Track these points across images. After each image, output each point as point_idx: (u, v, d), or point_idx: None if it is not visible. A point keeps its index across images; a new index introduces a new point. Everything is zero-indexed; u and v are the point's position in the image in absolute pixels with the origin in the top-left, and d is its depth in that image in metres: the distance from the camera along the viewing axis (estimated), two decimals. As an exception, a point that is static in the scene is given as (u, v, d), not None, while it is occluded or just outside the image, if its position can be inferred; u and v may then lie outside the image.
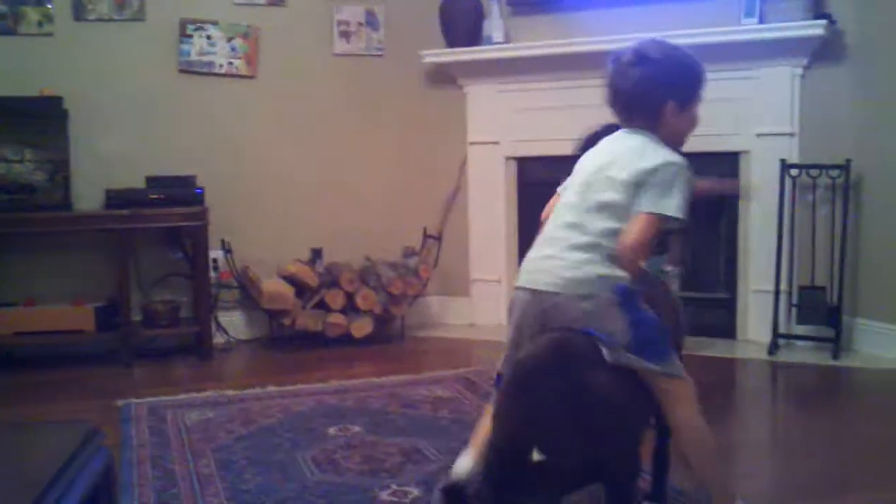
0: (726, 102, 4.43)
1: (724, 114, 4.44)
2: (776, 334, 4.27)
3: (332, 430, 3.17)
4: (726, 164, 4.51)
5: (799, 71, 4.30)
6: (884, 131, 4.07)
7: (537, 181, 4.98)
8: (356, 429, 3.20)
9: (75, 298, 4.34)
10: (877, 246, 4.15)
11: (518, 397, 1.84)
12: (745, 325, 4.51)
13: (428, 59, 4.94)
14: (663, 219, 2.04)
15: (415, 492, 2.58)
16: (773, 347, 4.24)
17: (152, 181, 4.39)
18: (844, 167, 4.14)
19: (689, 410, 2.08)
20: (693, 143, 4.68)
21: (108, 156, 4.49)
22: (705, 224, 4.77)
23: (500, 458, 1.78)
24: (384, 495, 2.55)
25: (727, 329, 4.56)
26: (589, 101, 4.75)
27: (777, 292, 4.29)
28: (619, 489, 1.92)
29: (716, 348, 4.38)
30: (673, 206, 2.03)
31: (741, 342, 4.47)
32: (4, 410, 3.54)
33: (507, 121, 4.91)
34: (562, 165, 5.13)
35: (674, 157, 2.10)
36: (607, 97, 2.23)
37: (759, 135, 4.40)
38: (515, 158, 4.97)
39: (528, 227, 5.02)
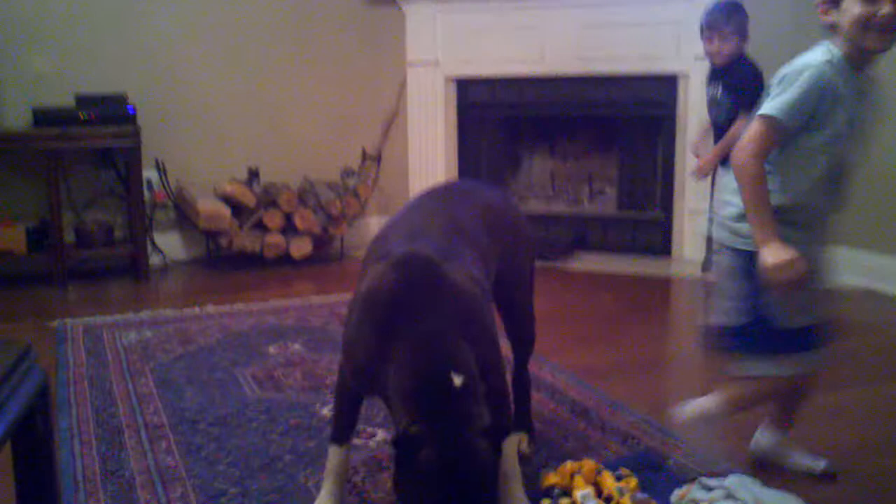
0: (666, 25, 4.45)
1: (664, 37, 4.46)
2: (709, 252, 4.35)
3: (271, 349, 3.18)
4: (664, 86, 4.53)
5: (737, -8, 4.31)
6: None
7: (477, 102, 4.96)
8: (296, 347, 3.21)
9: (5, 219, 4.22)
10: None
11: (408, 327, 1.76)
12: (680, 244, 4.59)
13: (366, -23, 4.84)
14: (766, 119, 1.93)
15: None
16: (707, 264, 4.32)
17: (82, 99, 4.25)
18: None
19: None
20: (630, 66, 4.71)
21: (35, 72, 4.33)
22: (642, 145, 4.81)
23: (432, 390, 1.67)
24: (325, 411, 2.57)
25: (663, 248, 4.64)
26: (529, 22, 4.78)
27: (710, 212, 4.36)
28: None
29: (651, 267, 4.46)
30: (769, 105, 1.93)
31: (676, 260, 4.56)
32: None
33: (446, 41, 4.85)
34: (502, 86, 5.15)
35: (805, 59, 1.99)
36: None
37: (697, 58, 4.40)
38: (455, 79, 4.92)
39: (467, 149, 5.02)
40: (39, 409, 1.67)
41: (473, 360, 1.71)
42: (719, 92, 3.54)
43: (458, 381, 1.64)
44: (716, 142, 3.62)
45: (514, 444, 2.04)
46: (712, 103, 3.62)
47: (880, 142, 2.91)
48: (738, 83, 3.46)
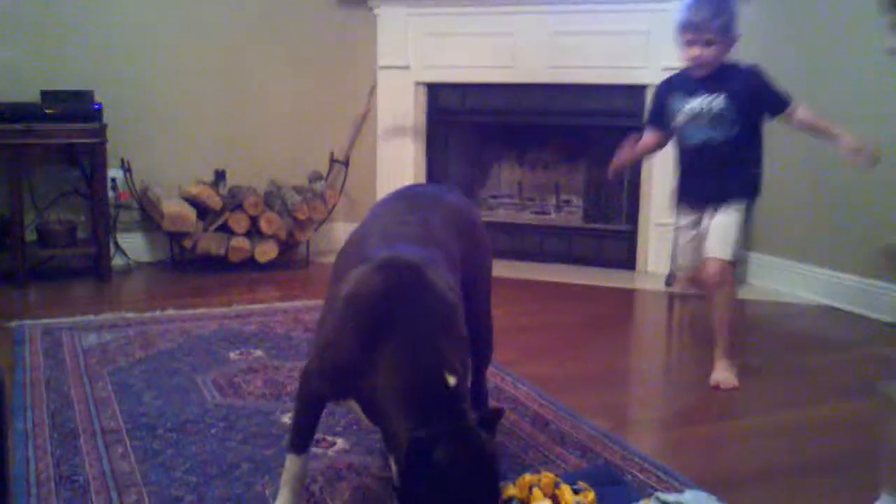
0: (635, 35, 4.48)
1: (633, 47, 4.49)
2: (674, 266, 4.38)
3: (233, 355, 3.15)
4: (632, 96, 4.56)
5: (707, 6, 4.35)
6: (783, 65, 4.14)
7: (448, 108, 4.96)
8: (258, 353, 3.19)
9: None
10: (773, 180, 4.25)
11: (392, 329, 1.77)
12: (645, 258, 4.62)
13: (337, -21, 4.83)
14: None
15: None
16: (670, 279, 4.36)
17: (47, 95, 4.20)
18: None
19: None
20: (599, 75, 4.73)
21: (0, 67, 4.27)
22: (610, 155, 4.83)
23: (430, 391, 1.70)
24: (285, 419, 2.55)
25: (628, 261, 4.67)
26: (502, 28, 4.79)
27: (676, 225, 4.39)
28: None
29: (616, 279, 4.48)
30: None
31: (640, 273, 4.59)
32: None
33: (418, 46, 4.84)
34: (472, 93, 5.15)
35: None
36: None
37: (665, 68, 4.43)
38: (426, 84, 4.92)
39: (436, 155, 5.02)
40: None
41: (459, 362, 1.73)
42: (716, 104, 2.96)
43: (451, 380, 1.66)
44: (704, 167, 3.05)
45: None
46: (698, 119, 3.00)
47: (835, 159, 2.99)
48: (746, 86, 2.97)
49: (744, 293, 4.20)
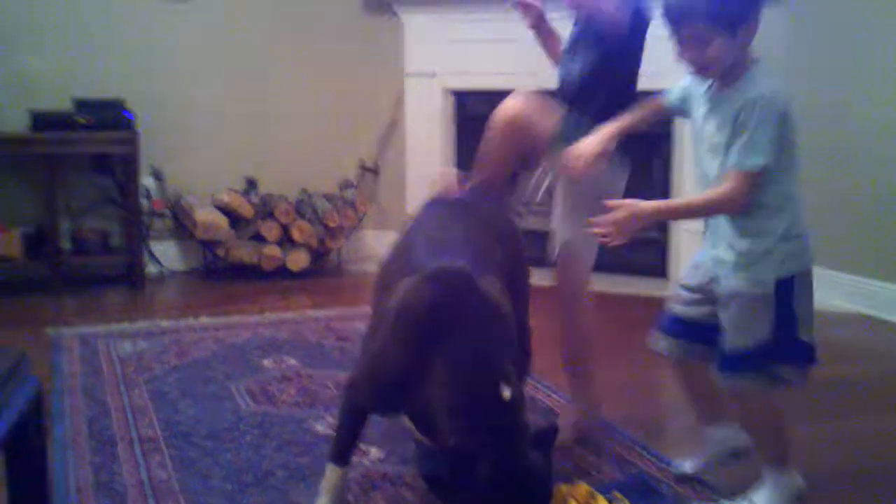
0: (664, 40, 4.43)
1: (661, 51, 4.43)
2: (705, 274, 4.35)
3: (266, 363, 3.17)
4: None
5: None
6: (813, 72, 4.13)
7: (476, 115, 4.96)
8: (291, 361, 3.20)
9: (1, 224, 4.21)
10: (807, 188, 4.21)
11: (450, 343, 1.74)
12: (676, 265, 4.58)
13: (365, -14, 4.85)
14: None
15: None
16: (703, 287, 4.32)
17: (81, 104, 4.25)
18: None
19: None
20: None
21: (35, 75, 4.33)
22: (639, 162, 4.82)
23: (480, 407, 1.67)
24: (319, 427, 2.56)
25: (658, 268, 4.64)
26: (528, 35, 4.76)
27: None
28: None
29: (647, 287, 4.45)
30: None
31: (673, 281, 4.55)
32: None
33: (445, 52, 4.85)
34: (501, 99, 5.14)
35: None
36: None
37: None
38: (453, 91, 4.92)
39: (465, 162, 5.01)
40: (33, 417, 1.67)
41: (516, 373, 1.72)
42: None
43: (507, 393, 1.64)
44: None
45: None
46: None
47: (881, 166, 2.94)
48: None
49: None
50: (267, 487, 2.21)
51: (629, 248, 4.74)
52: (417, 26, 4.87)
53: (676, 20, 2.05)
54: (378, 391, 1.84)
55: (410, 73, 4.93)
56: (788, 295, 2.00)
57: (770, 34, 4.14)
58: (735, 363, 2.05)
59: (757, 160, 1.95)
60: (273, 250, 4.50)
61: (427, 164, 4.96)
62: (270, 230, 4.52)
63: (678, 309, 2.27)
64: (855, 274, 4.04)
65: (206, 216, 4.42)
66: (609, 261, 4.72)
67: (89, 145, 4.21)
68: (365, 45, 4.97)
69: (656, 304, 4.19)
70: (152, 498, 2.16)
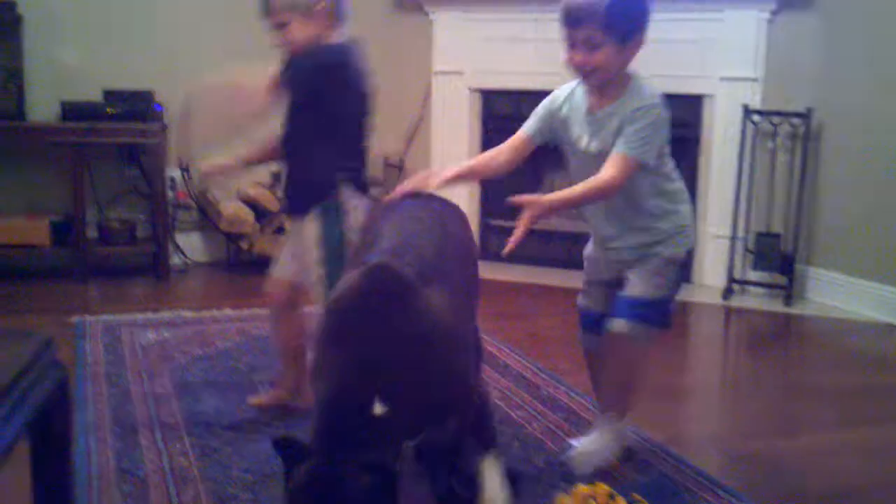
0: (692, 44, 4.43)
1: (690, 56, 4.44)
2: (731, 280, 4.33)
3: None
4: (688, 107, 4.51)
5: (766, 15, 4.29)
6: (847, 81, 4.10)
7: (502, 115, 4.96)
8: (312, 354, 3.20)
9: (30, 212, 4.25)
10: (834, 196, 4.21)
11: (348, 344, 1.66)
12: (701, 270, 4.56)
13: (395, -16, 4.86)
14: None
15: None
16: (728, 293, 4.31)
17: (110, 95, 4.28)
18: (806, 115, 4.17)
19: None
20: (656, 85, 4.68)
21: (65, 66, 4.37)
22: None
23: (336, 413, 1.59)
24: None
25: (683, 272, 4.60)
26: (557, 35, 4.75)
27: (733, 238, 4.34)
28: (458, 434, 1.81)
29: (670, 290, 4.42)
30: None
31: (696, 286, 4.53)
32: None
33: (473, 51, 4.84)
34: (527, 100, 5.12)
35: None
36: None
37: (722, 78, 4.40)
38: (480, 90, 4.92)
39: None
40: (58, 402, 1.69)
41: (420, 394, 1.61)
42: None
43: (380, 409, 1.55)
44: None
45: (492, 468, 1.98)
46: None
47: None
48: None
49: (802, 309, 4.14)
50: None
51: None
52: (446, 25, 4.87)
53: (575, 22, 2.12)
54: (311, 385, 1.77)
55: (438, 72, 4.93)
56: (681, 267, 2.36)
57: (804, 42, 4.12)
58: (636, 310, 2.29)
59: (640, 151, 2.14)
60: (297, 244, 4.51)
61: (452, 162, 4.95)
62: (295, 224, 4.53)
63: (585, 303, 2.49)
64: (877, 282, 4.00)
65: (232, 209, 4.44)
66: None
67: (118, 136, 4.24)
68: (394, 43, 4.96)
69: (680, 307, 4.19)
70: (173, 485, 2.17)
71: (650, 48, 4.37)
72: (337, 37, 2.57)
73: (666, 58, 4.46)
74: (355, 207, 2.52)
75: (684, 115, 4.53)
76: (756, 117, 4.29)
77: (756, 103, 4.32)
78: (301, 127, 2.52)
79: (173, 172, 4.50)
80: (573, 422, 2.67)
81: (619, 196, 2.22)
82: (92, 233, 4.34)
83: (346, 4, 2.66)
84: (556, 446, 2.47)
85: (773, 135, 4.29)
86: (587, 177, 2.19)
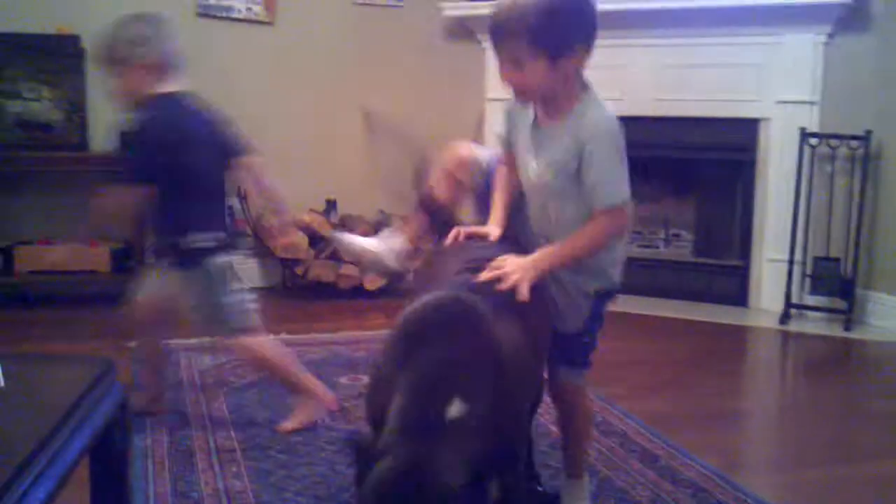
0: (748, 68, 4.40)
1: (746, 79, 4.41)
2: (788, 304, 4.26)
3: (343, 380, 3.20)
4: (745, 130, 4.48)
5: (822, 38, 4.25)
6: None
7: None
8: (367, 379, 3.22)
9: (91, 239, 4.35)
10: (893, 219, 4.13)
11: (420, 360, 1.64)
12: (757, 294, 4.50)
13: (448, 13, 4.89)
14: None
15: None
16: (785, 317, 4.24)
17: (170, 125, 4.37)
18: (865, 138, 4.10)
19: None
20: (710, 108, 4.64)
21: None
22: (721, 190, 4.76)
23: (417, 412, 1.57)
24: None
25: (739, 297, 4.55)
26: (612, 60, 4.75)
27: (791, 262, 4.28)
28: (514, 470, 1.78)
29: (727, 315, 4.37)
30: None
31: (753, 310, 4.47)
32: (17, 348, 3.57)
33: (526, 78, 4.86)
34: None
35: None
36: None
37: (779, 102, 4.36)
38: (533, 117, 4.92)
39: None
40: (118, 424, 1.71)
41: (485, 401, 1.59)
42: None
43: (454, 410, 1.54)
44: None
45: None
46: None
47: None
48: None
49: (861, 334, 4.06)
50: (341, 502, 2.23)
51: (709, 275, 4.70)
52: (498, 52, 4.89)
53: (498, 39, 1.93)
54: (368, 412, 1.75)
55: (491, 99, 4.96)
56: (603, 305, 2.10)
57: (861, 64, 4.07)
58: (585, 357, 2.12)
59: (626, 192, 1.96)
60: (351, 270, 4.55)
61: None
62: (348, 250, 4.56)
63: None
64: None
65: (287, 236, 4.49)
66: (689, 288, 4.68)
67: (176, 164, 4.33)
68: (447, 70, 5.01)
69: (736, 332, 4.14)
70: (228, 508, 2.20)
71: (707, 72, 4.42)
72: (168, 87, 2.68)
73: (722, 82, 4.46)
74: (222, 269, 2.65)
75: (740, 138, 4.50)
76: (813, 140, 4.24)
77: (813, 126, 4.27)
78: (157, 184, 2.60)
79: (230, 201, 4.57)
80: (628, 447, 2.64)
81: (560, 225, 2.02)
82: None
83: (176, 55, 2.78)
84: (614, 474, 2.44)
85: (832, 158, 4.23)
86: (536, 208, 2.07)
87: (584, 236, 1.96)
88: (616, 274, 2.10)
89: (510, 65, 1.93)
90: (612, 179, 1.94)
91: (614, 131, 1.97)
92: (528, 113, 2.05)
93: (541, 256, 1.93)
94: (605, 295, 2.09)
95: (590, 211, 1.96)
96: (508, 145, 2.14)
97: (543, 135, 2.02)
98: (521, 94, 2.00)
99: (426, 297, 1.75)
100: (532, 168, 2.03)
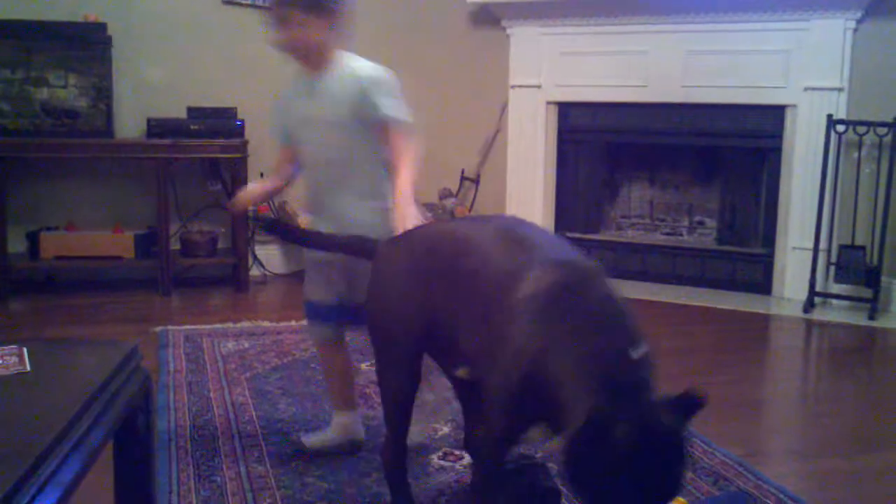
0: (775, 54, 4.36)
1: (772, 66, 4.36)
2: (813, 292, 4.23)
3: (364, 366, 3.21)
4: (770, 117, 4.44)
5: (851, 24, 4.20)
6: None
7: (579, 127, 4.94)
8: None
9: (115, 225, 4.39)
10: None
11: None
12: (781, 282, 4.47)
13: (472, -1, 4.89)
14: None
15: (445, 429, 2.62)
16: (809, 305, 4.21)
17: (193, 111, 4.40)
18: (893, 125, 4.05)
19: None
20: (735, 95, 4.61)
21: (151, 84, 4.50)
22: (746, 177, 4.72)
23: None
24: (414, 430, 2.57)
25: (763, 285, 4.53)
26: (636, 47, 4.74)
27: (816, 250, 4.24)
28: None
29: (751, 304, 4.35)
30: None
31: (777, 299, 4.44)
32: (43, 333, 3.62)
33: (550, 65, 4.85)
34: (603, 112, 5.11)
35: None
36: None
37: (806, 88, 4.32)
38: (557, 103, 4.91)
39: (566, 174, 5.01)
40: (142, 408, 1.73)
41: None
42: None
43: (635, 353, 1.56)
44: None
45: None
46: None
47: None
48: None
49: (886, 321, 4.02)
50: (362, 488, 2.24)
51: (733, 263, 4.67)
52: (523, 39, 4.89)
53: (272, 2, 2.28)
54: (520, 407, 1.69)
55: (515, 85, 4.95)
56: None
57: (891, 50, 4.01)
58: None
59: (407, 117, 2.31)
60: (373, 257, 4.56)
61: (528, 174, 4.97)
62: (371, 237, 4.57)
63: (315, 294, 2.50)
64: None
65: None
66: (713, 276, 4.66)
67: (200, 151, 4.36)
68: (471, 57, 5.00)
69: (759, 320, 4.11)
70: (249, 492, 2.21)
71: (733, 59, 4.38)
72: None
73: (748, 68, 4.42)
74: None
75: (766, 125, 4.46)
76: (840, 127, 4.19)
77: (840, 113, 4.22)
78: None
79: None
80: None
81: (350, 163, 2.33)
82: (174, 245, 4.46)
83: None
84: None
85: (859, 145, 4.19)
86: (326, 149, 2.33)
87: (408, 157, 2.29)
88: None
89: (284, 27, 2.26)
90: (398, 103, 2.31)
91: (382, 71, 2.38)
92: (301, 78, 2.37)
93: (405, 199, 2.22)
94: None
95: (375, 140, 2.29)
96: (284, 139, 2.45)
97: (319, 86, 2.33)
98: (293, 51, 2.31)
99: (552, 266, 1.74)
100: (314, 115, 2.33)
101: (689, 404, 1.52)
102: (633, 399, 1.49)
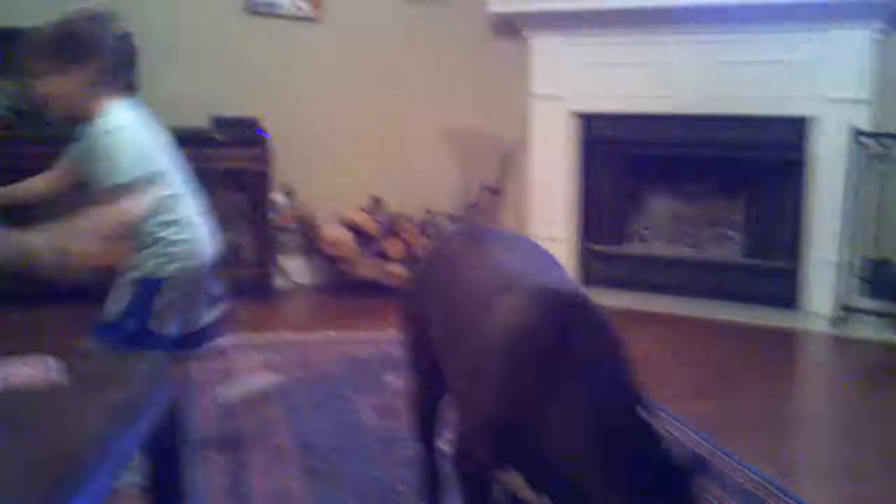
0: (798, 65, 4.32)
1: (795, 77, 4.33)
2: (841, 307, 4.18)
3: (390, 378, 3.21)
4: (795, 129, 4.40)
5: (876, 35, 4.16)
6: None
7: (601, 138, 4.93)
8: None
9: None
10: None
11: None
12: (807, 296, 4.42)
13: (493, 9, 4.88)
14: None
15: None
16: (837, 320, 4.16)
17: (217, 121, 4.42)
18: (920, 138, 4.02)
19: None
20: (759, 106, 4.56)
21: (175, 94, 4.52)
22: (771, 190, 4.69)
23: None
24: (439, 444, 2.57)
25: (789, 299, 4.48)
26: (659, 57, 4.73)
27: (843, 264, 4.20)
28: None
29: (777, 318, 4.30)
30: None
31: (803, 313, 4.39)
32: (74, 343, 3.62)
33: (572, 75, 4.83)
34: (627, 123, 5.09)
35: None
36: None
37: (830, 100, 4.28)
38: (579, 114, 4.90)
39: (589, 185, 4.99)
40: (170, 420, 1.74)
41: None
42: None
43: (644, 415, 1.49)
44: None
45: None
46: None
47: None
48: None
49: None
50: (388, 502, 2.24)
51: (758, 277, 4.62)
52: (545, 49, 4.88)
53: (20, 55, 2.11)
54: (495, 435, 1.57)
55: (537, 96, 4.94)
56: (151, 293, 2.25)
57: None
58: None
59: (119, 178, 2.12)
60: (397, 268, 4.56)
61: (551, 186, 4.95)
62: (395, 248, 4.59)
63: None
64: None
65: (333, 232, 4.52)
66: (737, 290, 4.62)
67: (224, 161, 4.37)
68: (492, 67, 5.00)
69: (786, 335, 4.07)
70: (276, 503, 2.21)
71: (756, 69, 4.36)
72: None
73: (771, 79, 4.39)
74: None
75: (790, 137, 4.42)
76: (865, 139, 4.16)
77: (865, 125, 4.19)
78: None
79: (277, 197, 4.61)
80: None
81: None
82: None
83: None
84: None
85: (884, 157, 4.15)
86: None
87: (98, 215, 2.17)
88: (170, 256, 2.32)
89: (34, 79, 2.13)
90: (114, 167, 2.13)
91: (115, 133, 2.20)
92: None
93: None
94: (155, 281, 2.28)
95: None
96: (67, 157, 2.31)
97: (83, 139, 2.22)
98: (45, 105, 2.17)
99: (535, 299, 1.64)
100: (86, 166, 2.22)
101: (697, 467, 1.47)
102: (652, 471, 1.43)
